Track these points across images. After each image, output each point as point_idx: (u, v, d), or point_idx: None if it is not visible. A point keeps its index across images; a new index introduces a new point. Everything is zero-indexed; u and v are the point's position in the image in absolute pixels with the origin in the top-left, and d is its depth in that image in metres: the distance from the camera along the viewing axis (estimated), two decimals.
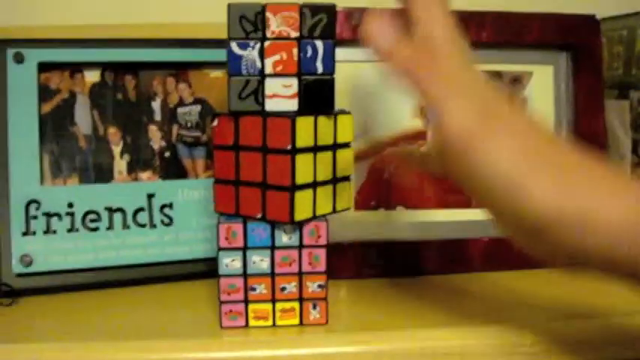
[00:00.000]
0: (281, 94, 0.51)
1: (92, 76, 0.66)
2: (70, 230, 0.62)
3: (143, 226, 0.64)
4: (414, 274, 0.67)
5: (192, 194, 0.66)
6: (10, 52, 0.62)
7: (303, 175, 0.50)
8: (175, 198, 0.66)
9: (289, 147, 0.49)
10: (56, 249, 0.62)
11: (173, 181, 0.67)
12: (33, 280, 0.61)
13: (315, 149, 0.51)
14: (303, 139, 0.50)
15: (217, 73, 0.69)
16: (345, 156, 0.54)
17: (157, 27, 0.73)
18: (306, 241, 0.53)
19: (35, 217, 0.62)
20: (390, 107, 0.69)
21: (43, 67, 0.63)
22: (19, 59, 0.62)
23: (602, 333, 0.53)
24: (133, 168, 0.66)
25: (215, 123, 0.52)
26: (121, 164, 0.66)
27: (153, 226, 0.65)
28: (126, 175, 0.66)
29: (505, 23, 0.69)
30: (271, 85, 0.51)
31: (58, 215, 0.62)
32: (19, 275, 0.61)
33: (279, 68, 0.51)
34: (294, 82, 0.51)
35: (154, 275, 0.64)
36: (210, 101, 0.69)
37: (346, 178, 0.55)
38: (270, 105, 0.51)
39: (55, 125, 0.64)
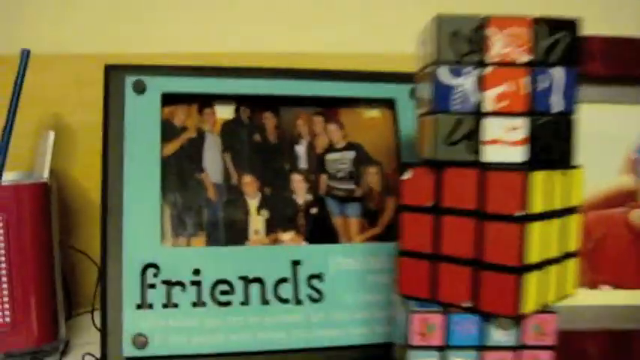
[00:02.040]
0: (505, 140, 0.38)
1: (224, 112, 0.57)
2: (195, 304, 0.51)
3: (286, 301, 0.52)
4: None
5: (345, 263, 0.53)
6: (130, 79, 0.53)
7: (537, 250, 0.38)
8: (326, 267, 0.53)
9: (520, 213, 0.36)
10: (177, 328, 0.51)
11: (322, 245, 0.54)
12: None
13: (551, 215, 0.38)
14: (539, 201, 0.37)
15: (373, 113, 0.58)
16: (574, 224, 0.41)
17: (301, 56, 0.65)
18: (528, 340, 0.40)
19: (153, 286, 0.50)
20: (590, 161, 0.55)
21: (167, 100, 0.54)
22: (140, 89, 0.53)
23: None
24: (272, 227, 0.55)
25: (407, 175, 0.40)
26: (257, 222, 0.54)
27: (298, 301, 0.52)
28: (264, 236, 0.54)
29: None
30: (492, 127, 0.38)
31: (181, 284, 0.51)
32: (131, 359, 0.49)
33: (503, 104, 0.38)
34: (523, 124, 0.38)
35: None
36: (366, 147, 0.57)
37: (574, 254, 0.41)
38: (490, 154, 0.39)
39: (179, 170, 0.54)
